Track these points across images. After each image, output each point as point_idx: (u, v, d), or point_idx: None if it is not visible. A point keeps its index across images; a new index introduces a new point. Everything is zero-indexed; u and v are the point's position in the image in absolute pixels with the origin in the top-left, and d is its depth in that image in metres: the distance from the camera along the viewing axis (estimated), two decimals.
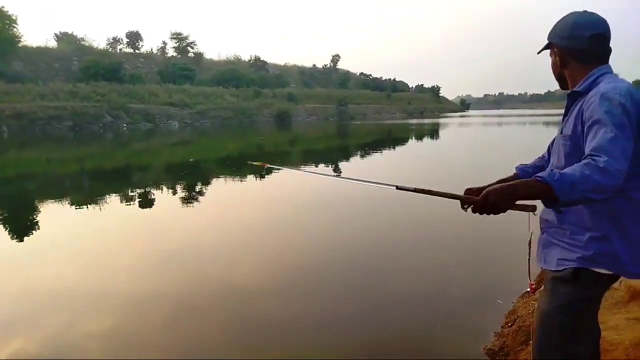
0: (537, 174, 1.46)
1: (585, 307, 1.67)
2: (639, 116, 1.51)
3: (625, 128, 1.45)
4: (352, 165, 14.16)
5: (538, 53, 1.87)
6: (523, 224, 1.97)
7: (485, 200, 1.48)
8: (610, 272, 1.61)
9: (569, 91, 1.73)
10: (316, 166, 13.52)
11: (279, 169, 2.46)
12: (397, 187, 1.85)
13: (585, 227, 1.61)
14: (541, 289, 2.41)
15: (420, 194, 1.77)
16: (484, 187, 1.76)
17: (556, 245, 1.71)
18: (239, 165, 14.57)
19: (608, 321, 2.73)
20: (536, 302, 3.16)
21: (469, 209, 1.61)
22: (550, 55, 1.79)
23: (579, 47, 1.65)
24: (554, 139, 1.87)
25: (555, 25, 1.74)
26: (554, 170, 1.43)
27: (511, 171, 2.05)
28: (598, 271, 1.60)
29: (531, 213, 1.71)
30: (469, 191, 1.84)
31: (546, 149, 1.97)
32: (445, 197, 1.71)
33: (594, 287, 1.66)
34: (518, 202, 1.53)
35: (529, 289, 3.46)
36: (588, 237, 1.60)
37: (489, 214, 1.51)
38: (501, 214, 1.50)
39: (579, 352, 1.67)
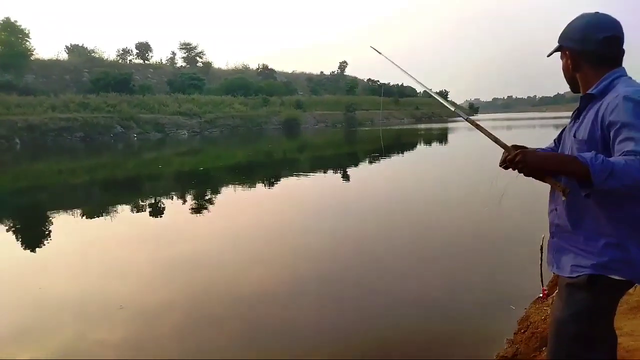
0: (580, 154, 1.46)
1: (601, 314, 1.63)
2: None
3: None
4: (361, 171, 14.15)
5: (548, 56, 1.82)
6: (534, 228, 1.95)
7: (516, 155, 1.54)
8: (626, 279, 1.58)
9: (580, 94, 1.69)
10: (325, 173, 13.51)
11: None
12: (466, 119, 1.92)
13: (601, 233, 1.58)
14: (553, 294, 2.37)
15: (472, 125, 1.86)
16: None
17: (569, 251, 1.67)
18: (248, 173, 14.62)
19: (623, 327, 2.68)
20: (549, 308, 3.13)
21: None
22: (562, 58, 1.75)
23: (592, 50, 1.61)
24: (562, 132, 1.83)
25: (566, 27, 1.71)
26: (599, 155, 1.41)
27: None
28: (614, 278, 1.56)
29: (562, 197, 1.60)
30: (515, 147, 1.73)
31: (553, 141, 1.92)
32: (490, 137, 1.77)
33: (609, 294, 1.62)
34: (552, 179, 1.59)
35: (541, 295, 3.44)
36: (603, 243, 1.57)
37: (516, 170, 1.55)
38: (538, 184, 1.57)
39: None
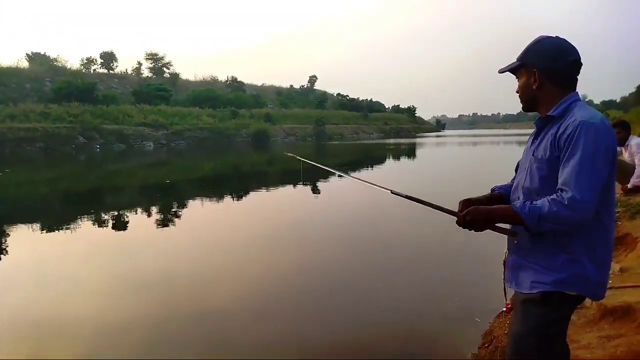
0: (514, 203, 1.64)
1: (557, 328, 1.68)
2: (613, 145, 1.56)
3: (598, 159, 1.50)
4: (331, 184, 14.19)
5: (501, 72, 1.84)
6: (499, 242, 1.99)
7: (464, 218, 1.69)
8: (580, 294, 1.64)
9: (539, 115, 1.74)
10: (294, 187, 13.50)
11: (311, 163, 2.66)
12: (392, 192, 1.99)
13: (560, 249, 1.62)
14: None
15: (411, 201, 1.91)
16: (478, 199, 1.90)
17: (529, 268, 1.70)
18: (214, 186, 14.43)
19: (580, 340, 2.75)
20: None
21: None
22: (521, 76, 1.76)
23: (560, 69, 1.67)
24: (521, 161, 1.89)
25: (532, 46, 1.72)
26: (526, 203, 1.59)
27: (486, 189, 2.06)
28: (569, 293, 1.62)
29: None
30: (465, 202, 1.85)
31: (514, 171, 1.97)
32: (432, 207, 1.85)
33: (564, 308, 1.68)
34: (499, 225, 1.71)
35: (504, 309, 3.50)
36: (562, 259, 1.61)
37: (469, 229, 1.70)
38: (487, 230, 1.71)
39: None
